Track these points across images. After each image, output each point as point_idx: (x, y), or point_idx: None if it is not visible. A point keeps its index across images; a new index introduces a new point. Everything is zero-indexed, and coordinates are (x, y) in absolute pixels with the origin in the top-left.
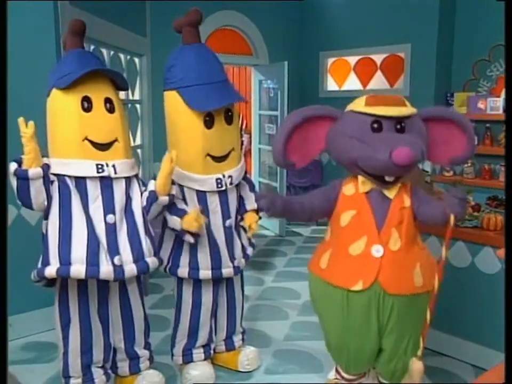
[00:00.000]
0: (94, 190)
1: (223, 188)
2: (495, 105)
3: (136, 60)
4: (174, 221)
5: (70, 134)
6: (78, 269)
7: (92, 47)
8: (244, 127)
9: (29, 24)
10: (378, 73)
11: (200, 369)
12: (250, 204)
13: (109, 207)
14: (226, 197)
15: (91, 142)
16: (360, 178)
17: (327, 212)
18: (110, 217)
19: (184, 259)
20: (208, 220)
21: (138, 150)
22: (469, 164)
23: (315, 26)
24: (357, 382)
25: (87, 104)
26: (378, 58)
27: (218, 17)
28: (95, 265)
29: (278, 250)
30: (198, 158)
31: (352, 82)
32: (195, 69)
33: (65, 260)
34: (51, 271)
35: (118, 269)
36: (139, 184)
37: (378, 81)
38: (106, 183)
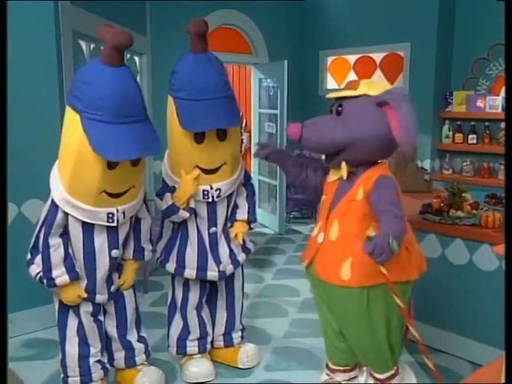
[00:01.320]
0: None
1: (209, 200)
2: (494, 103)
3: (136, 58)
4: (166, 198)
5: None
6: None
7: (92, 45)
8: (243, 125)
9: (29, 24)
10: (378, 71)
11: (199, 366)
12: (242, 213)
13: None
14: (214, 206)
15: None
16: (343, 167)
17: (312, 181)
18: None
19: (174, 255)
20: (196, 224)
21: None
22: (468, 162)
23: (315, 25)
24: (348, 381)
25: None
26: (377, 57)
27: (218, 15)
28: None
29: (278, 248)
30: (186, 168)
31: None
32: (193, 83)
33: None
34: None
35: (111, 295)
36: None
37: (378, 80)
38: None
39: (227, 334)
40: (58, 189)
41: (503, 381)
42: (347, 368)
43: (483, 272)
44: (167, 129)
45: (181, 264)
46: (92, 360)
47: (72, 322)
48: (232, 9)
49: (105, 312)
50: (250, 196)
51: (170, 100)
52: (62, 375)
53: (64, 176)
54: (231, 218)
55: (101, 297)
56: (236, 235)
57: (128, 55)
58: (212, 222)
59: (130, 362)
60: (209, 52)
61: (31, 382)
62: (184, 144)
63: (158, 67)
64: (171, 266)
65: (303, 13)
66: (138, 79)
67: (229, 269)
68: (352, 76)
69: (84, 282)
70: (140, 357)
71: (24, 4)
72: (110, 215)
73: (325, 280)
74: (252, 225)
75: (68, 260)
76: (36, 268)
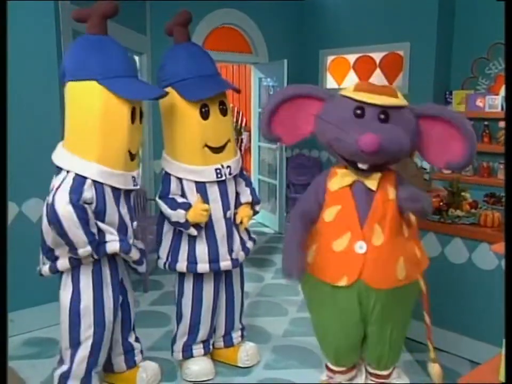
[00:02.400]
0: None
1: (223, 178)
2: (493, 103)
3: (136, 58)
4: (178, 215)
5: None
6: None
7: None
8: (243, 125)
9: (30, 24)
10: (378, 71)
11: (200, 365)
12: (245, 197)
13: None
14: (225, 187)
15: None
16: (340, 172)
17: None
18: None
19: (183, 254)
20: (210, 213)
21: (139, 149)
22: None
23: (315, 24)
24: (348, 381)
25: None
26: (377, 56)
27: (218, 15)
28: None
29: (278, 247)
30: (196, 149)
31: (352, 80)
32: (185, 64)
33: None
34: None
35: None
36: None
37: (377, 79)
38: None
39: (227, 334)
40: (83, 165)
41: (500, 378)
42: (349, 368)
43: (482, 271)
44: (163, 127)
45: (192, 261)
46: (94, 371)
47: (88, 335)
48: (232, 8)
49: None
50: (249, 182)
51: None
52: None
53: (90, 149)
54: (236, 205)
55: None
56: (242, 220)
57: (128, 55)
58: (226, 205)
59: (131, 363)
60: (191, 41)
61: (31, 380)
62: (191, 125)
63: (158, 66)
64: (182, 266)
65: (303, 13)
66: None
67: (241, 255)
68: (351, 75)
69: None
70: (138, 357)
71: (24, 3)
72: (218, 170)
73: (381, 288)
74: (257, 208)
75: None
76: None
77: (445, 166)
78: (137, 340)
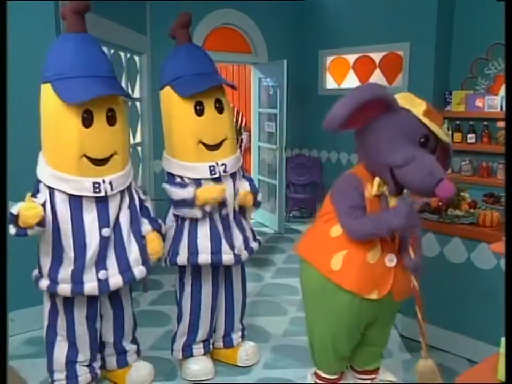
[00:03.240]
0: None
1: (217, 175)
2: (492, 103)
3: (136, 58)
4: (188, 190)
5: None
6: (64, 288)
7: None
8: (243, 125)
9: (30, 24)
10: (377, 71)
11: (200, 364)
12: (242, 187)
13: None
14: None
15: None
16: (377, 180)
17: None
18: (105, 231)
19: (184, 246)
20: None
21: (138, 148)
22: (467, 162)
23: (314, 24)
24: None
25: None
26: (377, 56)
27: (218, 15)
28: (80, 283)
29: (277, 247)
30: (191, 146)
31: (351, 81)
32: (183, 64)
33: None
34: (43, 285)
35: (103, 283)
36: (131, 193)
37: (377, 79)
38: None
39: (227, 335)
40: (43, 168)
41: (498, 377)
42: (339, 375)
43: (481, 271)
44: (163, 127)
45: (193, 252)
46: (78, 365)
47: (62, 326)
48: (232, 8)
49: (101, 318)
50: (248, 177)
51: (163, 93)
52: (49, 380)
53: (47, 151)
54: (234, 197)
55: (90, 286)
56: (241, 202)
57: (128, 55)
58: (223, 202)
59: (123, 363)
60: (191, 43)
61: (32, 379)
62: (185, 121)
63: (158, 67)
64: (183, 258)
65: (302, 13)
66: (138, 78)
67: (244, 254)
68: (351, 76)
69: (70, 267)
70: (131, 357)
71: (24, 3)
72: (96, 185)
73: (401, 299)
74: (258, 198)
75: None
76: None
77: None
78: (133, 341)
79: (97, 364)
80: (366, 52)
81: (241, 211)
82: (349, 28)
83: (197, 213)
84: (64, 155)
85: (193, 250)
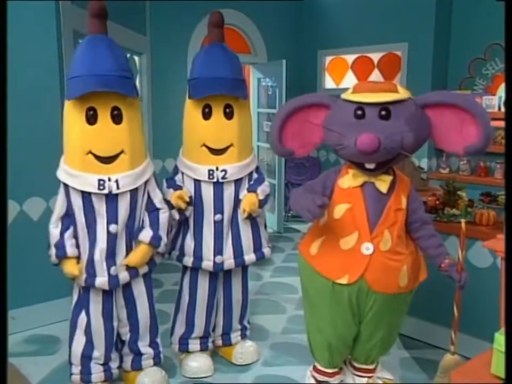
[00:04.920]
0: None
1: (214, 180)
2: (490, 103)
3: (136, 58)
4: (168, 193)
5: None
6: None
7: None
8: None
9: (30, 24)
10: (376, 71)
11: (199, 361)
12: (250, 189)
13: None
14: (221, 191)
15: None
16: (351, 171)
17: None
18: (113, 227)
19: (176, 243)
20: (202, 209)
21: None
22: (465, 161)
23: (313, 25)
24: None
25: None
26: (375, 56)
27: None
28: (93, 275)
29: (276, 246)
30: (195, 147)
31: (350, 80)
32: (201, 65)
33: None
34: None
35: (113, 278)
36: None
37: (375, 79)
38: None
39: (225, 334)
40: (60, 166)
41: (491, 371)
42: (338, 370)
43: (477, 269)
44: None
45: (181, 252)
46: (93, 362)
47: (82, 322)
48: (231, 9)
49: (118, 316)
50: (258, 181)
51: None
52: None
53: (64, 149)
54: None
55: (101, 280)
56: (244, 209)
57: (128, 55)
58: (218, 208)
59: (137, 365)
60: (216, 43)
61: (33, 377)
62: (192, 123)
63: (158, 67)
64: (174, 254)
65: (301, 13)
66: (138, 78)
67: (228, 263)
68: (350, 76)
69: (85, 259)
70: (147, 361)
71: (24, 3)
72: (101, 182)
73: (382, 291)
74: (261, 197)
75: (59, 239)
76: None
77: (463, 151)
78: (152, 346)
79: (114, 364)
80: (365, 52)
81: (251, 217)
82: (348, 28)
83: (174, 215)
84: (71, 151)
85: (181, 250)
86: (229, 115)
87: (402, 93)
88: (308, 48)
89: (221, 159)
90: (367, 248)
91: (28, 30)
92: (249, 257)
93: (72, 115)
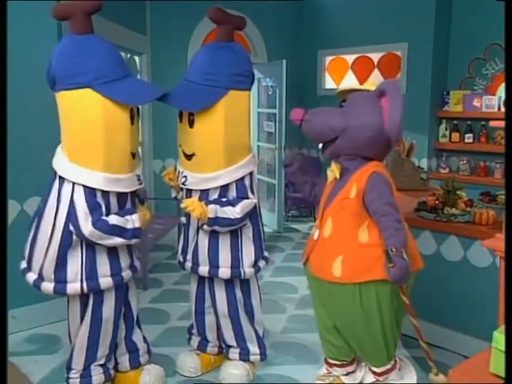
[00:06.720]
0: None
1: (181, 181)
2: (490, 103)
3: (136, 58)
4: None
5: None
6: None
7: None
8: None
9: (30, 24)
10: (376, 71)
11: (197, 359)
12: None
13: None
14: (189, 195)
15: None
16: (332, 166)
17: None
18: None
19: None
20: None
21: (139, 147)
22: (465, 161)
23: (313, 25)
24: (346, 375)
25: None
26: (375, 56)
27: None
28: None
29: (276, 246)
30: (178, 147)
31: (350, 81)
32: (189, 65)
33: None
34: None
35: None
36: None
37: (375, 79)
38: None
39: (203, 345)
40: (89, 176)
41: (490, 370)
42: (344, 362)
43: (477, 268)
44: None
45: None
46: (94, 364)
47: (95, 323)
48: (231, 9)
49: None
50: (232, 201)
51: None
52: (65, 375)
53: (94, 159)
54: None
55: (127, 274)
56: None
57: (128, 55)
58: (182, 211)
59: (135, 363)
60: (233, 42)
61: (33, 376)
62: (176, 124)
63: (158, 67)
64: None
65: (301, 13)
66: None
67: (201, 270)
68: (350, 76)
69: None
70: (143, 357)
71: (24, 3)
72: (137, 177)
73: (318, 277)
74: (210, 215)
75: (121, 219)
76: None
77: (386, 133)
78: (144, 340)
79: (111, 364)
80: (365, 52)
81: (236, 231)
82: (348, 28)
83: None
84: (117, 154)
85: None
86: (190, 122)
87: (364, 86)
88: (308, 48)
89: (188, 165)
90: (316, 234)
91: (28, 30)
92: (223, 270)
93: (115, 116)
